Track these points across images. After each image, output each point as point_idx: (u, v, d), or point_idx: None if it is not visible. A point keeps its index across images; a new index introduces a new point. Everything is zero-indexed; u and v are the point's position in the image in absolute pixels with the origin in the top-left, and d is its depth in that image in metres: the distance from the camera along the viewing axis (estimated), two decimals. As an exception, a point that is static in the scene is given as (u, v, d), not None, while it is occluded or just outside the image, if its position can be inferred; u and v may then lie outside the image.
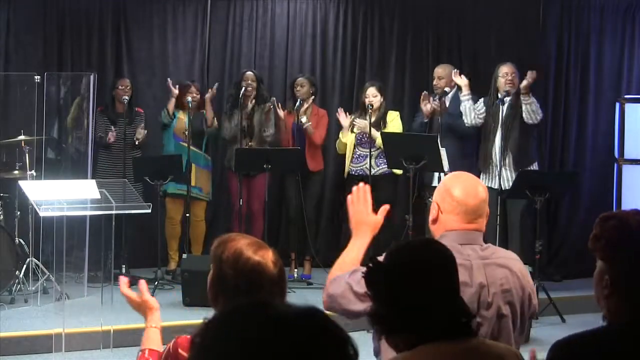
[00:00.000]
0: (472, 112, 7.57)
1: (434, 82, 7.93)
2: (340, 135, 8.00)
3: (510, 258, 2.83)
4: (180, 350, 2.56)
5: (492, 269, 2.71)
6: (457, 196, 2.77)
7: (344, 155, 8.02)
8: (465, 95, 7.59)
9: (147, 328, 2.78)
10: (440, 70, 7.96)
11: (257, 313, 1.34)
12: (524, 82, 7.35)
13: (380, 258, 2.17)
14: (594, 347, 2.04)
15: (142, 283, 2.88)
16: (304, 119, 7.82)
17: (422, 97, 7.78)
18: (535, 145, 7.85)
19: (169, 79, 8.06)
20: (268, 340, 1.29)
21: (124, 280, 2.88)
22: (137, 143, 7.90)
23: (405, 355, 2.06)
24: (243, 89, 7.78)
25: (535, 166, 7.70)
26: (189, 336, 2.58)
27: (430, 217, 2.84)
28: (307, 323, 1.33)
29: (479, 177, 7.54)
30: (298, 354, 1.28)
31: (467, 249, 2.72)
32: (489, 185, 7.53)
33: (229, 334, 1.32)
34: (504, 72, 7.50)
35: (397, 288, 2.08)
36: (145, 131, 7.96)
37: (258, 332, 1.30)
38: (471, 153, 7.90)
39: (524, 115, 7.41)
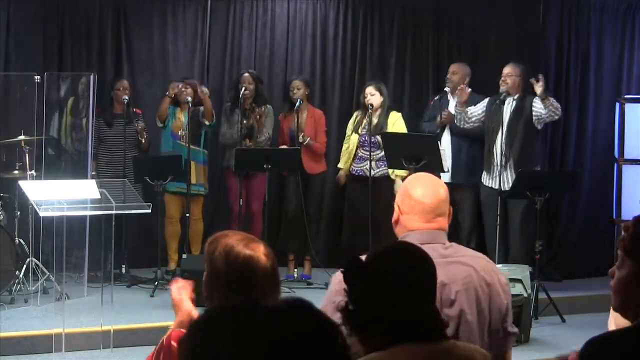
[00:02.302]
0: (461, 117, 7.59)
1: (448, 76, 7.92)
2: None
3: (476, 257, 2.83)
4: (173, 343, 2.56)
5: (453, 267, 2.70)
6: (414, 196, 2.80)
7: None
8: (457, 109, 7.60)
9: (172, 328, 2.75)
10: (455, 67, 7.98)
11: (240, 310, 1.34)
12: (539, 89, 7.29)
13: (361, 257, 2.19)
14: (629, 345, 2.03)
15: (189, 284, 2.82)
16: (300, 138, 7.79)
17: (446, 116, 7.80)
18: (539, 148, 7.87)
19: (179, 85, 7.96)
20: (249, 337, 1.28)
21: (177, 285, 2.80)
22: (143, 141, 7.89)
23: (377, 356, 2.07)
24: (242, 90, 7.77)
25: (538, 168, 7.72)
26: (183, 330, 2.58)
27: (393, 219, 2.86)
28: (292, 317, 1.32)
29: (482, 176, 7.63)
30: (282, 349, 1.28)
31: (427, 248, 2.71)
32: (490, 185, 7.55)
33: (211, 333, 1.32)
34: (502, 73, 7.53)
35: (374, 287, 2.09)
36: (143, 124, 7.95)
37: (238, 329, 1.30)
38: (480, 154, 7.90)
39: (545, 116, 7.40)
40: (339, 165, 8.07)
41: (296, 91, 7.92)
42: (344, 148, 8.05)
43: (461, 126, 7.67)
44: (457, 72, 7.94)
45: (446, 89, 7.90)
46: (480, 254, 2.92)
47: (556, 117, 7.53)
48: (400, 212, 2.83)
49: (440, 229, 2.80)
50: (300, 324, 1.32)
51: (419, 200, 2.79)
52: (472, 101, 7.74)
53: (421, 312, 2.10)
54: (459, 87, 7.62)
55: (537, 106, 7.39)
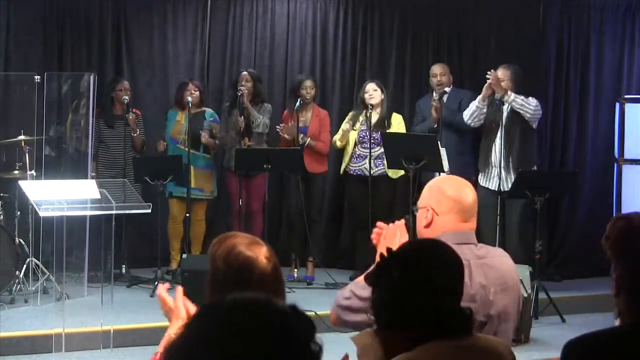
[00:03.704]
0: (479, 114, 7.54)
1: (437, 79, 7.90)
2: (337, 138, 7.97)
3: (503, 256, 2.88)
4: None
5: (489, 269, 2.75)
6: (452, 196, 2.81)
7: (342, 153, 8.02)
8: (480, 104, 7.52)
9: (167, 334, 2.74)
10: (438, 68, 7.98)
11: (214, 311, 1.35)
12: (497, 93, 7.31)
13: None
14: (606, 347, 2.04)
15: (179, 290, 2.83)
16: (301, 140, 7.75)
17: (433, 107, 7.74)
18: (536, 148, 7.86)
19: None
20: (219, 340, 1.30)
21: (163, 287, 2.80)
22: (134, 135, 7.83)
23: (408, 356, 2.07)
24: (241, 90, 7.77)
25: (534, 168, 7.71)
26: None
27: (423, 223, 2.83)
28: (261, 317, 1.33)
29: (477, 176, 7.62)
30: (250, 351, 1.28)
31: (463, 248, 2.73)
32: (488, 186, 7.54)
33: (189, 331, 1.34)
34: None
35: (408, 281, 2.10)
36: (136, 114, 7.88)
37: (211, 332, 1.31)
38: (469, 150, 7.90)
39: (526, 115, 7.40)
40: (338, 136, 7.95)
41: (309, 90, 7.90)
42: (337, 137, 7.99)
43: (472, 123, 7.59)
44: (445, 72, 7.94)
45: (437, 91, 7.87)
46: (504, 252, 2.95)
47: (530, 113, 7.38)
48: (435, 213, 2.81)
49: (472, 229, 2.83)
50: (266, 324, 1.32)
51: (459, 199, 2.80)
52: (458, 97, 7.77)
53: (450, 308, 2.11)
54: (492, 80, 7.37)
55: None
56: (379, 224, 2.94)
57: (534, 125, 7.59)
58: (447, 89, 7.89)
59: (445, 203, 2.80)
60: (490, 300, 2.69)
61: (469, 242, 2.79)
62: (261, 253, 2.50)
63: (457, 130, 7.75)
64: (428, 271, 2.12)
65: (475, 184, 7.40)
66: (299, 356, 1.31)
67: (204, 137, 7.91)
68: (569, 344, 2.08)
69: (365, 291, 2.72)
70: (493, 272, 2.74)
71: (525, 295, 6.45)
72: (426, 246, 2.23)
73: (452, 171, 7.61)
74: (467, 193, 2.83)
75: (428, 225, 2.82)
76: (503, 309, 2.72)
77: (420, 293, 2.08)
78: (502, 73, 7.50)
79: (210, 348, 1.29)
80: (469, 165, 7.73)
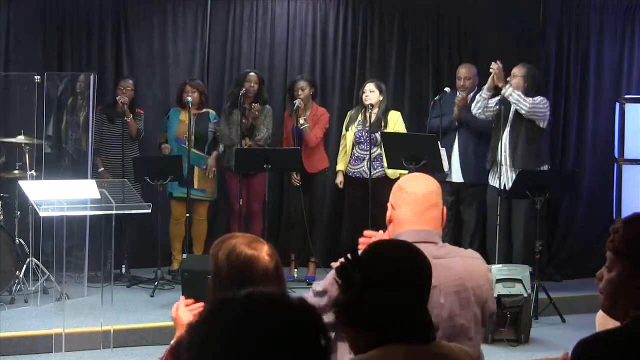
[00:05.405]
0: (483, 105, 7.52)
1: (461, 83, 7.87)
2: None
3: (468, 257, 2.83)
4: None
5: (444, 270, 2.68)
6: (407, 189, 2.85)
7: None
8: (483, 94, 7.51)
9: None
10: (464, 71, 7.94)
11: (228, 309, 1.35)
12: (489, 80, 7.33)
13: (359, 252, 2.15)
14: (620, 345, 2.03)
15: (182, 300, 2.84)
16: (301, 120, 7.81)
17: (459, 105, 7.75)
18: (545, 147, 7.79)
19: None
20: (235, 337, 1.30)
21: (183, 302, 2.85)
22: (127, 119, 7.76)
23: (359, 357, 2.04)
24: (244, 89, 7.76)
25: (545, 168, 7.65)
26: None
27: (387, 219, 2.89)
28: (273, 314, 1.33)
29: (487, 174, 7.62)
30: (261, 347, 1.29)
31: (421, 246, 2.69)
32: (493, 185, 7.54)
33: (202, 327, 1.34)
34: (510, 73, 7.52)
35: (372, 284, 2.05)
36: (127, 99, 7.84)
37: (224, 328, 1.32)
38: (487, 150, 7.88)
39: (525, 113, 7.37)
40: (338, 168, 8.03)
41: (300, 92, 7.88)
42: (340, 148, 8.03)
43: (477, 114, 7.55)
44: (470, 76, 7.89)
45: (459, 93, 7.86)
46: (474, 254, 2.91)
47: (525, 110, 7.31)
48: (393, 207, 2.85)
49: (433, 227, 2.80)
50: (278, 319, 1.32)
51: (412, 192, 2.82)
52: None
53: (414, 313, 2.07)
54: (495, 70, 7.36)
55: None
56: (366, 232, 2.98)
57: (542, 125, 7.51)
58: (446, 89, 7.83)
59: (399, 196, 2.85)
60: (440, 302, 2.64)
61: (429, 240, 2.75)
62: (263, 250, 2.53)
63: (476, 132, 7.75)
64: (390, 275, 2.07)
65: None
66: (308, 350, 1.31)
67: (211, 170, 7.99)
68: (581, 343, 2.07)
69: (319, 286, 2.76)
70: (449, 274, 2.68)
71: (525, 295, 6.46)
72: (390, 249, 2.17)
73: (472, 175, 7.70)
74: (423, 185, 2.86)
75: (389, 222, 2.87)
76: (458, 312, 2.66)
77: (380, 297, 2.03)
78: (517, 70, 7.49)
79: (224, 345, 1.29)
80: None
